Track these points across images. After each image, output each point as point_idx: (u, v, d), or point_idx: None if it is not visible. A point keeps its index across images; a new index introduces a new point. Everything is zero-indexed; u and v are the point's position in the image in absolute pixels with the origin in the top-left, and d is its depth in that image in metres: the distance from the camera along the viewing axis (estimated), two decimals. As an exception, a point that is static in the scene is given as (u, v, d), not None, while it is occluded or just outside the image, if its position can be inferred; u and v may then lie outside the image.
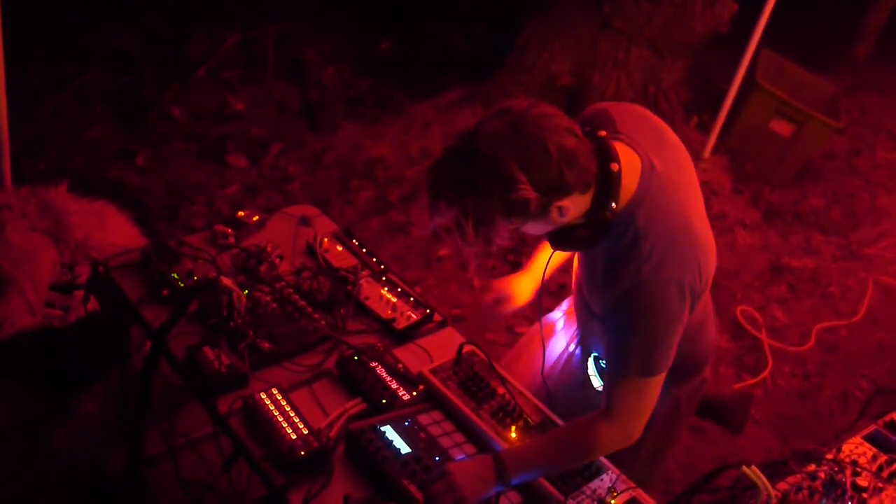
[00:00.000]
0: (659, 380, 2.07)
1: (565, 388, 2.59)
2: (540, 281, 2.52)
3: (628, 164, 1.99)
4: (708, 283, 2.11)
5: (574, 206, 1.94)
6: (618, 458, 2.29)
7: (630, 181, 1.99)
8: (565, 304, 2.76)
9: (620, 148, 2.01)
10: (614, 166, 1.95)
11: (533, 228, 2.00)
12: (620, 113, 2.11)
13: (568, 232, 2.02)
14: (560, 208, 1.92)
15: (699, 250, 2.04)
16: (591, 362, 2.51)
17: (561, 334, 2.71)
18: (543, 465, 2.14)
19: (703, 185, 5.52)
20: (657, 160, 2.05)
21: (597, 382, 2.50)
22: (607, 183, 1.95)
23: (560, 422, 2.38)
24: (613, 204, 1.97)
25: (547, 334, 2.72)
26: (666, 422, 2.56)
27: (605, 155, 1.96)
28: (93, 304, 3.01)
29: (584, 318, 2.42)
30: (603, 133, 1.99)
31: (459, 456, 2.22)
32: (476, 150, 1.86)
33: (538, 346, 2.66)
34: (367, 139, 5.40)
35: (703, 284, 2.06)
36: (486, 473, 2.06)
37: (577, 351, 2.59)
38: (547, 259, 2.43)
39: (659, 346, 2.02)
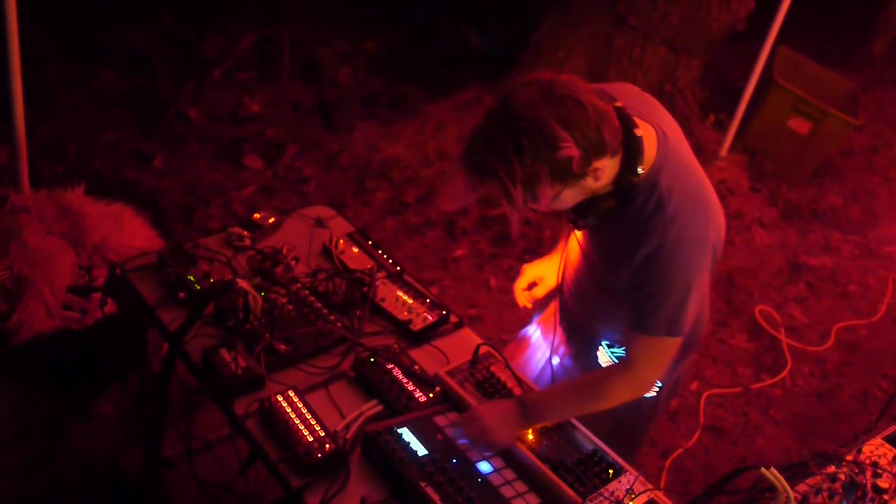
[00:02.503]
0: (678, 341, 2.15)
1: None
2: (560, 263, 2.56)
3: (646, 132, 2.05)
4: (721, 244, 2.19)
5: (606, 171, 1.98)
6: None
7: (650, 148, 2.05)
8: (537, 316, 2.81)
9: (635, 118, 2.05)
10: (638, 131, 2.01)
11: (568, 197, 2.03)
12: (615, 90, 2.14)
13: (595, 202, 2.06)
14: (596, 171, 1.95)
15: (715, 212, 2.13)
16: (602, 352, 2.52)
17: (539, 343, 2.76)
18: (562, 410, 2.26)
19: (721, 183, 5.52)
20: (666, 130, 2.12)
21: None
22: (633, 147, 2.01)
23: (581, 426, 2.37)
24: (640, 168, 2.02)
25: (522, 349, 2.79)
26: (660, 401, 2.58)
27: (627, 121, 2.00)
28: (110, 306, 3.03)
29: (594, 300, 2.44)
30: (619, 104, 2.02)
31: (477, 458, 2.21)
32: (516, 115, 1.89)
33: (523, 355, 2.77)
34: (383, 140, 5.40)
35: (720, 244, 2.16)
36: (512, 417, 2.19)
37: (562, 352, 2.62)
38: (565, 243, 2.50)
39: (684, 304, 2.09)
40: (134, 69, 5.61)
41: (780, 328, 4.61)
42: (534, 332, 2.81)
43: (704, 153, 5.70)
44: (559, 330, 2.60)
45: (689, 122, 5.96)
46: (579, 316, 2.54)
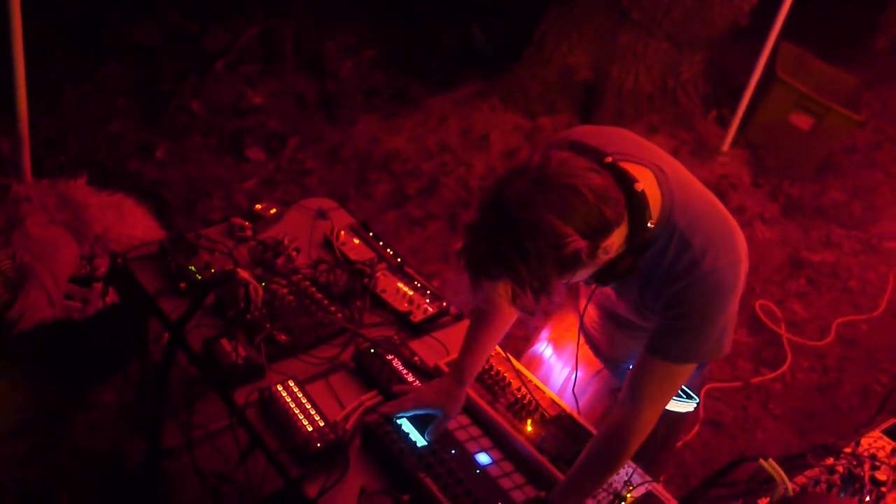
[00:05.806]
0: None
1: (585, 405, 2.59)
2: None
3: (643, 178, 1.94)
4: (748, 260, 2.12)
5: (616, 241, 1.89)
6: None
7: (653, 194, 1.95)
8: (546, 334, 2.76)
9: (628, 166, 1.95)
10: (638, 186, 1.90)
11: (580, 276, 1.94)
12: (594, 135, 2.06)
13: (613, 266, 1.96)
14: (605, 248, 1.85)
15: (737, 230, 2.07)
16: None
17: (552, 361, 2.72)
18: (593, 486, 2.13)
19: (722, 178, 5.52)
20: (660, 163, 2.03)
21: None
22: (638, 205, 1.90)
23: (579, 417, 2.38)
24: (650, 223, 1.93)
25: (535, 367, 2.73)
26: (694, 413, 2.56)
27: (625, 179, 1.90)
28: (111, 296, 3.03)
29: (625, 338, 2.40)
30: (609, 159, 1.92)
31: (476, 449, 2.22)
32: (513, 216, 1.76)
33: (536, 373, 2.68)
34: (384, 133, 5.41)
35: (747, 260, 2.08)
36: None
37: (583, 372, 2.58)
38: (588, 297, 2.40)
39: (726, 330, 2.04)
40: (137, 61, 5.62)
41: (781, 323, 4.61)
42: (545, 349, 2.75)
43: (707, 148, 5.70)
44: (581, 351, 2.54)
45: (692, 118, 5.96)
46: (608, 349, 2.51)
